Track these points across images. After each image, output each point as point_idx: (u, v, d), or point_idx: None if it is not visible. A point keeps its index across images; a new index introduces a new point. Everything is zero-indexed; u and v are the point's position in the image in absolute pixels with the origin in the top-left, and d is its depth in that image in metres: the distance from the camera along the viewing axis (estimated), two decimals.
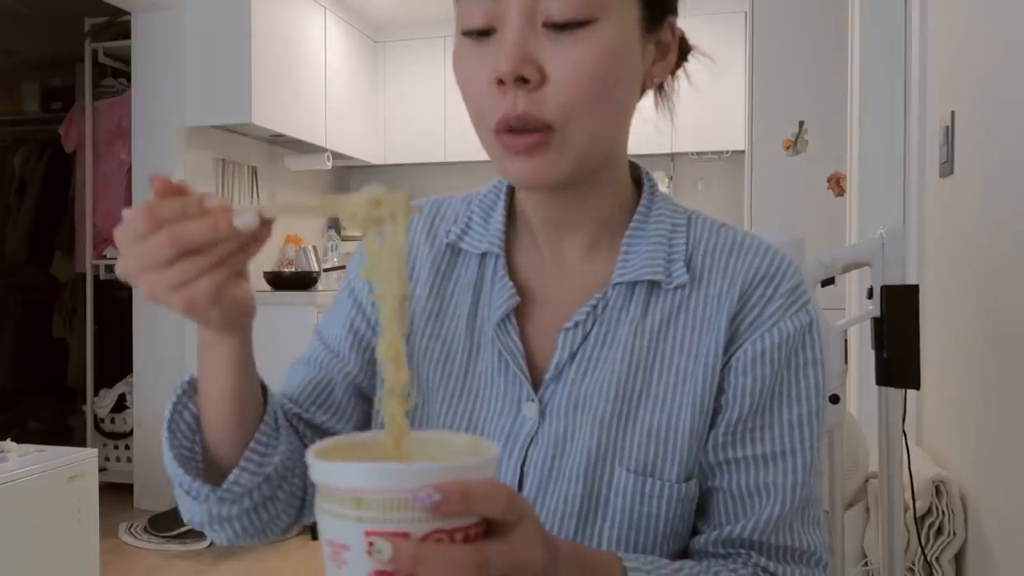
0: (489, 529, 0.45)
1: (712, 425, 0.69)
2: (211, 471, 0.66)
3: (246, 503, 0.65)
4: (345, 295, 0.80)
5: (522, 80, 0.61)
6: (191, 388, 0.66)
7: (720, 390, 0.69)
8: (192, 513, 0.67)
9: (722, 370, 0.69)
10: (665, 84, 0.76)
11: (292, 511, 0.71)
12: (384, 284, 0.50)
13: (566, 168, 0.65)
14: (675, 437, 0.68)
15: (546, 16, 0.62)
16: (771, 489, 0.68)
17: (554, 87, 0.62)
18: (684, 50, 0.76)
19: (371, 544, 0.42)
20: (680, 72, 0.77)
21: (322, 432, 0.74)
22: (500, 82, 0.62)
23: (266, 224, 0.52)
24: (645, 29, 0.67)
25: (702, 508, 0.71)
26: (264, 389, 0.67)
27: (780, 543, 0.68)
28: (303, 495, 0.72)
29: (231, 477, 0.64)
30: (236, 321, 0.59)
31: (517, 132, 0.63)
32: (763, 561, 0.68)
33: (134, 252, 0.52)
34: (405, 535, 0.42)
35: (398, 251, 0.50)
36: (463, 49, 0.66)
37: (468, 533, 0.44)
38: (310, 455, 0.46)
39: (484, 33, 0.64)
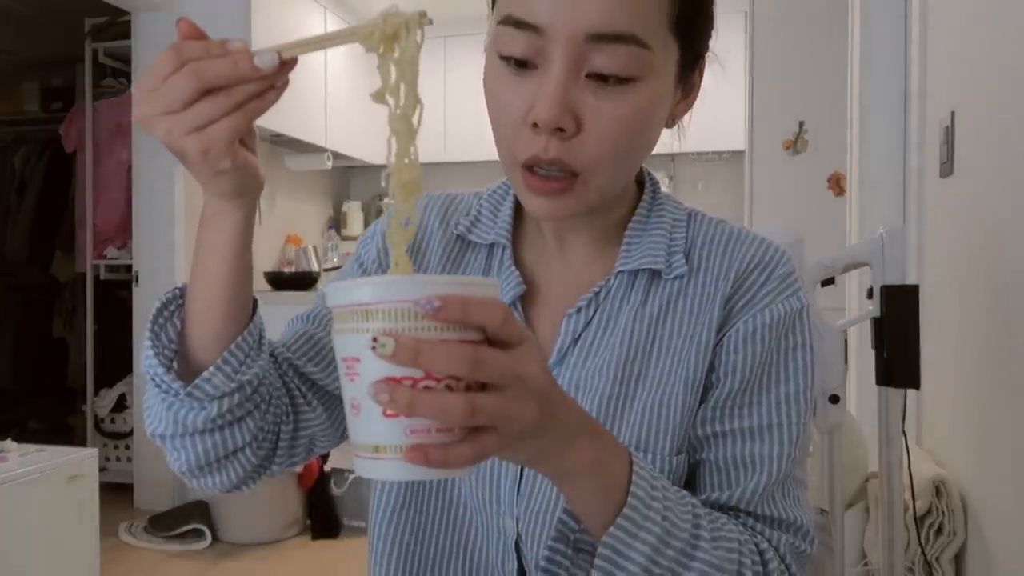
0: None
1: (703, 401, 0.71)
2: (187, 380, 0.64)
3: (213, 411, 0.63)
4: (354, 267, 0.82)
5: (558, 129, 0.63)
6: (181, 296, 0.65)
7: (711, 367, 0.72)
8: (158, 421, 0.65)
9: (714, 348, 0.72)
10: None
11: (258, 452, 0.69)
12: (401, 96, 0.52)
13: (585, 207, 0.68)
14: (668, 413, 0.70)
15: (592, 68, 0.62)
16: (756, 461, 0.70)
17: (587, 138, 0.63)
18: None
19: (375, 340, 0.44)
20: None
21: (309, 382, 0.75)
22: (535, 125, 0.63)
23: (284, 67, 0.54)
24: (679, 79, 0.69)
25: (688, 482, 0.72)
26: (254, 302, 0.67)
27: (765, 513, 0.69)
28: (275, 440, 0.71)
29: (204, 374, 0.62)
30: (244, 189, 0.60)
31: (543, 176, 0.65)
32: (751, 521, 0.69)
33: (155, 95, 0.53)
34: None
35: (411, 59, 0.52)
36: (498, 73, 0.66)
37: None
38: (328, 285, 0.49)
39: (522, 64, 0.64)
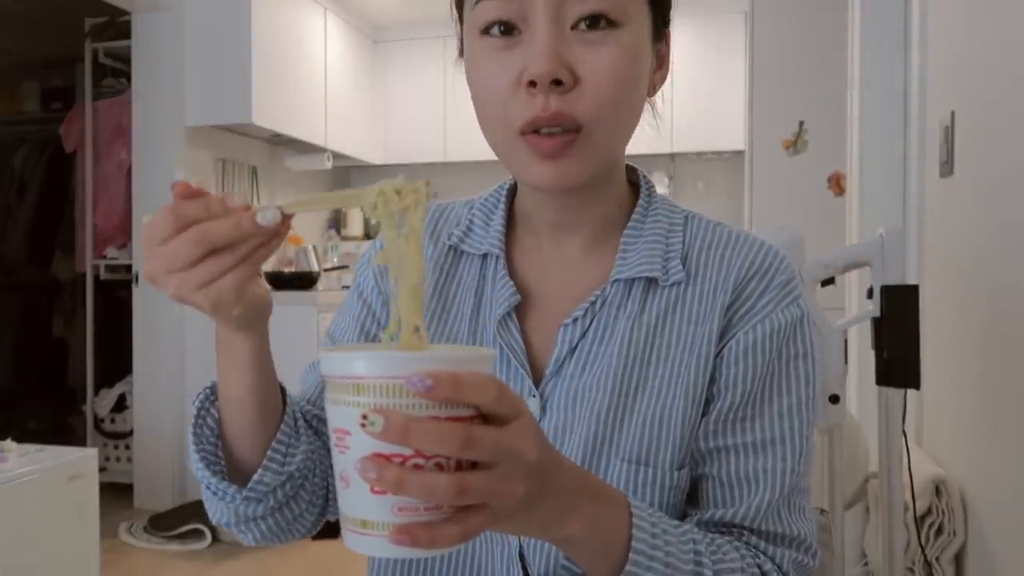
0: (485, 423, 0.47)
1: (704, 414, 0.71)
2: (234, 472, 0.67)
3: (271, 502, 0.66)
4: (354, 297, 0.81)
5: (555, 83, 0.63)
6: (213, 393, 0.67)
7: (712, 380, 0.71)
8: (220, 514, 0.68)
9: (714, 360, 0.71)
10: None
11: (315, 510, 0.72)
12: (401, 270, 0.52)
13: (589, 170, 0.67)
14: (668, 426, 0.69)
15: (575, 17, 0.63)
16: (760, 476, 0.69)
17: (585, 88, 0.64)
18: None
19: (364, 418, 0.44)
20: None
21: None
22: (531, 84, 0.63)
23: (286, 220, 0.53)
24: (654, 37, 0.70)
25: (691, 495, 0.72)
26: (282, 390, 0.68)
27: (769, 530, 0.69)
28: (325, 494, 0.73)
29: (255, 477, 0.65)
30: (255, 319, 0.60)
31: (545, 134, 0.64)
32: (754, 540, 0.69)
33: (159, 254, 0.53)
34: None
35: (417, 237, 0.52)
36: (483, 52, 0.66)
37: (462, 422, 0.46)
38: (321, 353, 0.49)
39: (507, 32, 0.65)
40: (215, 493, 0.65)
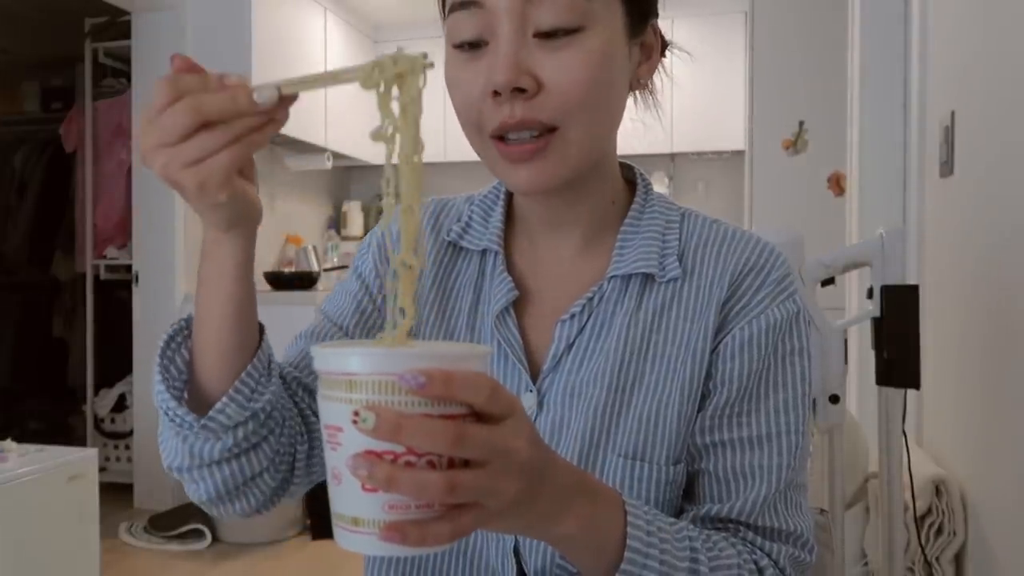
0: (479, 421, 0.47)
1: (700, 409, 0.71)
2: (198, 411, 0.64)
3: (229, 441, 0.63)
4: (353, 278, 0.82)
5: (518, 90, 0.63)
6: (188, 327, 0.65)
7: (708, 375, 0.71)
8: (174, 454, 0.64)
9: (710, 355, 0.71)
10: (648, 83, 0.77)
11: (276, 475, 0.69)
12: (402, 137, 0.51)
13: (564, 172, 0.67)
14: (664, 422, 0.70)
15: (536, 26, 0.64)
16: (756, 471, 0.69)
17: (549, 93, 0.64)
18: (662, 46, 0.78)
19: (356, 415, 0.44)
20: (667, 72, 0.79)
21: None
22: (496, 93, 0.64)
23: (284, 102, 0.53)
24: (630, 33, 0.69)
25: (688, 491, 0.72)
26: (261, 328, 0.67)
27: (765, 525, 0.69)
28: (291, 463, 0.70)
29: (217, 406, 0.62)
30: (243, 219, 0.60)
31: (515, 140, 0.65)
32: (750, 535, 0.69)
33: (152, 128, 0.52)
34: None
35: (414, 107, 0.52)
36: (455, 62, 0.68)
37: (455, 419, 0.46)
38: (314, 348, 0.48)
39: (475, 46, 0.66)
40: (173, 420, 0.62)
